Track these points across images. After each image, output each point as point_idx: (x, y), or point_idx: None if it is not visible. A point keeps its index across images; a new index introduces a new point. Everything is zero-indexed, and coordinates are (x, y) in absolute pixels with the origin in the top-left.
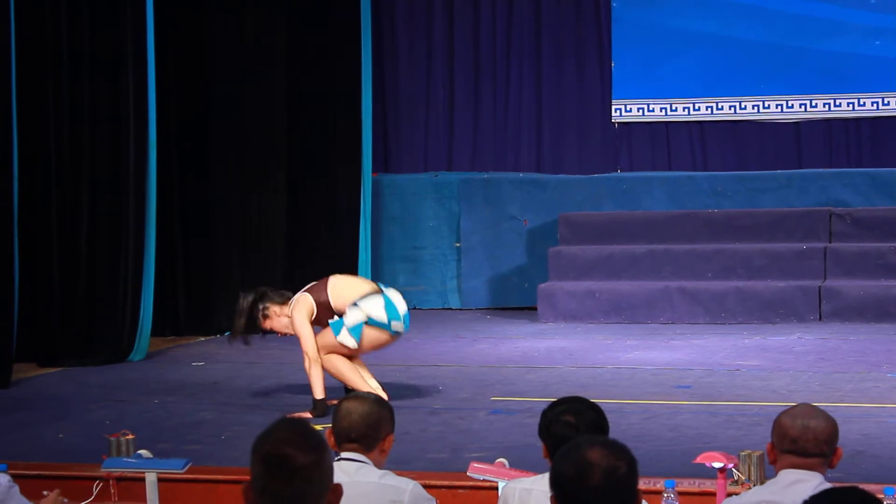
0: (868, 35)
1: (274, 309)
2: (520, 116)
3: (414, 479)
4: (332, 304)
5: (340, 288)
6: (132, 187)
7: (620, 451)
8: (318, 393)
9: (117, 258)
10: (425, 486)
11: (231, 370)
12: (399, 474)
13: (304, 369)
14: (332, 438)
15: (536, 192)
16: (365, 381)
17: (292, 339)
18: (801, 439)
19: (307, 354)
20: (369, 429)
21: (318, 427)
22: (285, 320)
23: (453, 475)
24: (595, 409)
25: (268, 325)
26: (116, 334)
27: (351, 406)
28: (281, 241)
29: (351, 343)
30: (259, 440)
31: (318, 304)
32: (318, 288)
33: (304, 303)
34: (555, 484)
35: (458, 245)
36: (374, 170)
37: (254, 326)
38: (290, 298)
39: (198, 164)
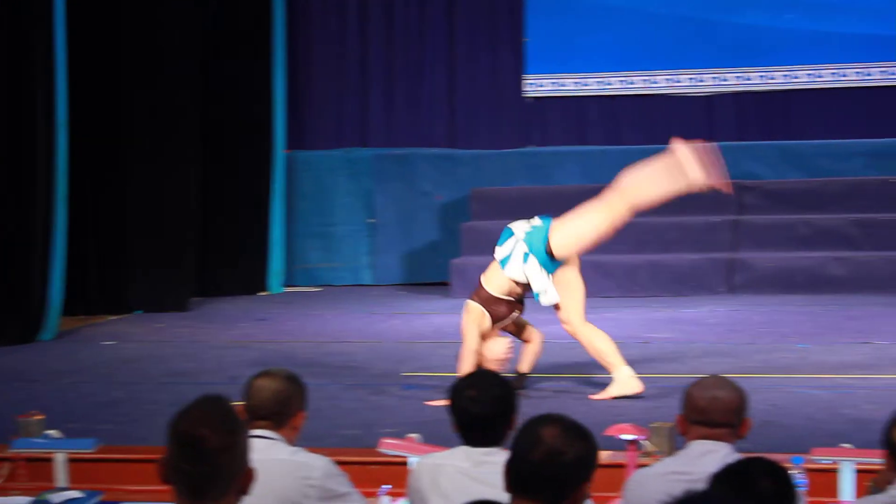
0: (779, 8)
1: None
2: (433, 92)
3: (326, 455)
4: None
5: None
6: (40, 164)
7: (575, 439)
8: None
9: (25, 236)
10: (337, 463)
11: (142, 349)
12: (311, 451)
13: (214, 345)
14: (244, 415)
15: (449, 168)
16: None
17: (206, 317)
18: (710, 410)
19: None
20: (280, 405)
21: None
22: None
23: (365, 451)
24: (502, 383)
25: None
26: (25, 313)
27: (262, 383)
28: (193, 217)
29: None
30: (177, 417)
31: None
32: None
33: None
34: (510, 448)
35: (371, 221)
36: (288, 146)
37: None
38: None
39: (109, 142)
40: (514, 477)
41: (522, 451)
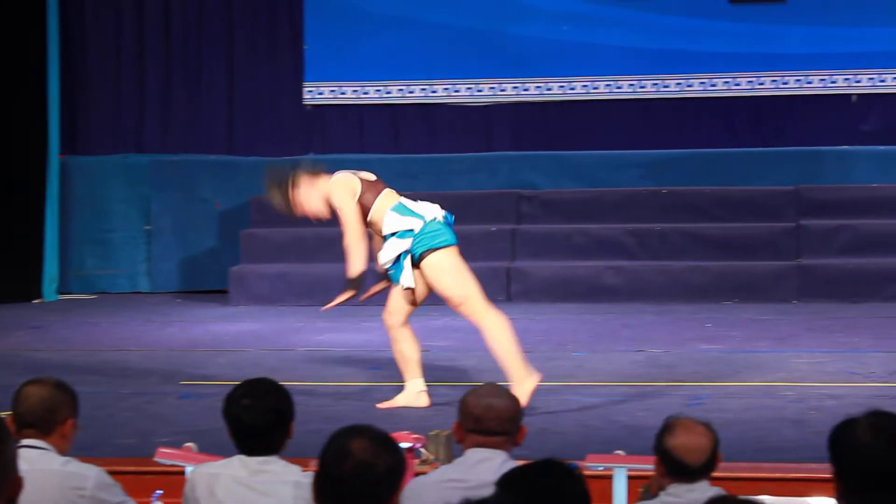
0: (556, 20)
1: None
2: (211, 97)
3: (99, 465)
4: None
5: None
6: None
7: (384, 450)
8: (353, 272)
9: None
10: (111, 473)
11: None
12: (84, 461)
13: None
14: (13, 425)
15: (228, 175)
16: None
17: None
18: (485, 418)
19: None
20: (46, 412)
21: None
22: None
23: (140, 461)
24: (278, 391)
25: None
26: None
27: (28, 390)
28: None
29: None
30: None
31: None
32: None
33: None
34: (319, 461)
35: (148, 228)
36: (62, 151)
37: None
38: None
39: None
40: (325, 491)
41: (331, 465)
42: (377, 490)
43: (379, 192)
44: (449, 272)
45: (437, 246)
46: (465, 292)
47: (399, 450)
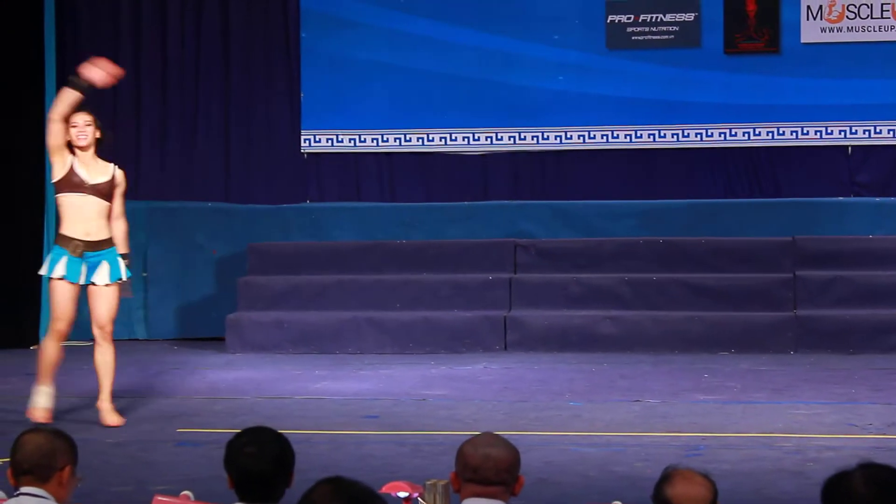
0: (551, 70)
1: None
2: (208, 145)
3: None
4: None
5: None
6: None
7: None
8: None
9: None
10: None
11: None
12: None
13: None
14: (11, 472)
15: (225, 222)
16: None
17: None
18: (483, 468)
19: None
20: (43, 458)
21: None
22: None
23: None
24: (280, 439)
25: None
26: None
27: (26, 437)
28: None
29: None
30: None
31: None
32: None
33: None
34: None
35: (144, 275)
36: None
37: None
38: None
39: None
40: None
41: None
42: None
43: None
44: None
45: None
46: None
47: (380, 499)
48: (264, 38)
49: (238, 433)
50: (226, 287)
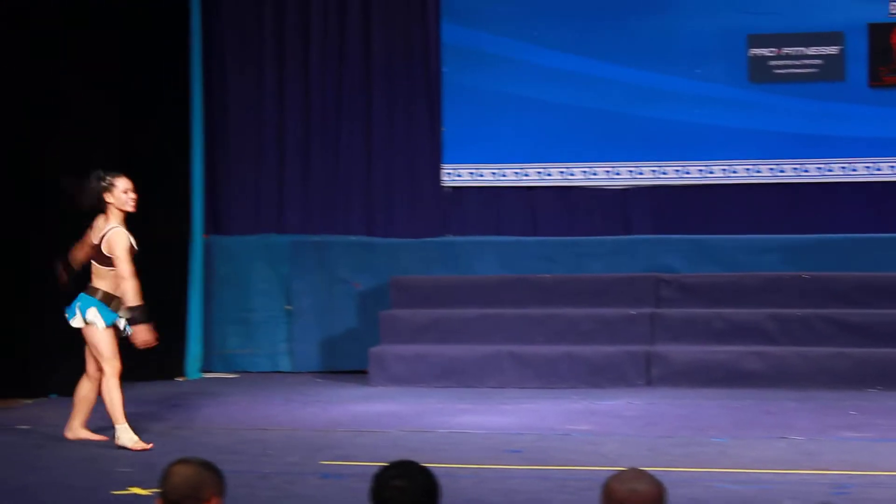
0: (693, 104)
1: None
2: (350, 180)
3: None
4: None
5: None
6: None
7: None
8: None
9: None
10: None
11: (59, 433)
12: None
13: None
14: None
15: (367, 256)
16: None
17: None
18: (629, 502)
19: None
20: (191, 490)
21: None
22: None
23: None
24: (426, 473)
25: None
26: None
27: (175, 469)
28: None
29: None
30: None
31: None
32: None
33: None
34: None
35: (288, 308)
36: (206, 231)
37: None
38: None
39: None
40: None
41: None
42: None
43: None
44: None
45: None
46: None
47: None
48: (406, 73)
49: (385, 466)
50: (368, 320)
